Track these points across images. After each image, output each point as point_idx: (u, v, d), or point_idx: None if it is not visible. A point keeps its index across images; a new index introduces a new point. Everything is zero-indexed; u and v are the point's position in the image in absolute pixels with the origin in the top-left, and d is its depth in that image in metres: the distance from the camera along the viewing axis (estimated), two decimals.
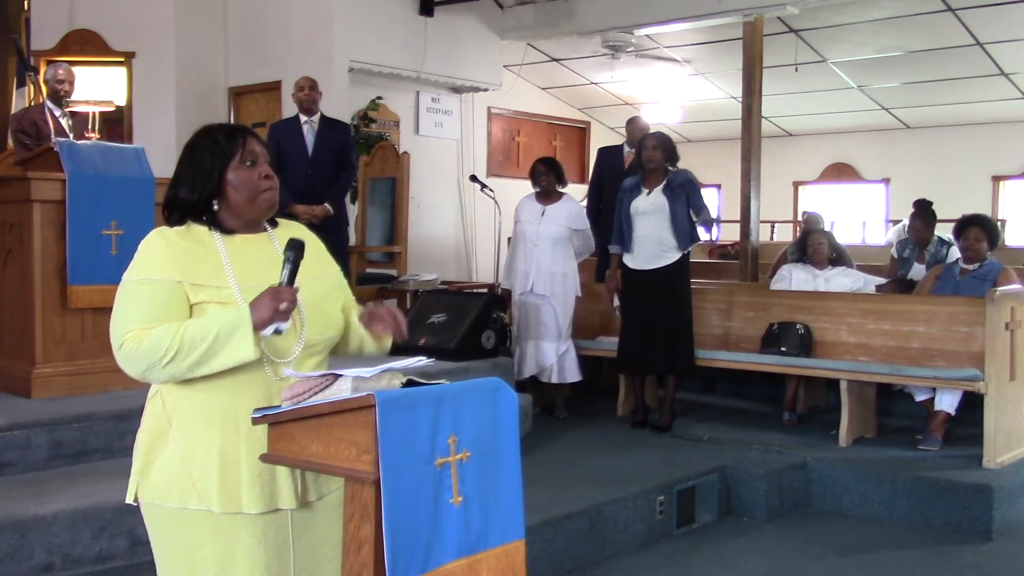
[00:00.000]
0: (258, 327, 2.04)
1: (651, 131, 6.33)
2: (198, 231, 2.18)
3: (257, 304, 2.05)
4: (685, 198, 5.83)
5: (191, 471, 2.10)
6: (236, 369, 2.08)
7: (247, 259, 2.19)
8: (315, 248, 2.30)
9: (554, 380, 6.35)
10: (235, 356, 2.04)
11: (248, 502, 2.10)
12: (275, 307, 2.04)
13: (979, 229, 5.85)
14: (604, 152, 7.96)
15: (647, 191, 5.91)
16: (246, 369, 2.10)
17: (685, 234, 5.84)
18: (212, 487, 2.09)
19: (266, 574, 2.14)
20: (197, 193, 2.18)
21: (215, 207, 2.18)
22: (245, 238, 2.23)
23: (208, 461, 2.10)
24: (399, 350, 2.36)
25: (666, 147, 5.91)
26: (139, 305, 2.09)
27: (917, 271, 6.58)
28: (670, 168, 5.94)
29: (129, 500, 2.21)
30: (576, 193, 7.26)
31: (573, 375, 6.40)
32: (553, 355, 6.28)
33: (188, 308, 2.11)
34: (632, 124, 7.73)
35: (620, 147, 7.79)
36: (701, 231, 6.02)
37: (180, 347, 2.02)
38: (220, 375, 2.09)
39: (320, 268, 2.31)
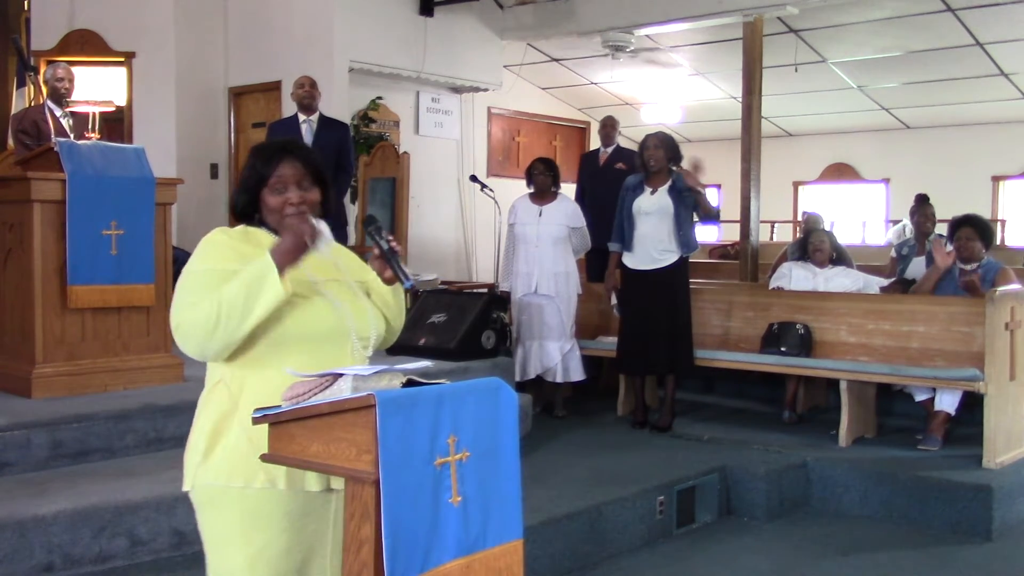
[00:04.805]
0: (282, 266, 2.16)
1: (652, 132, 6.32)
2: (257, 233, 2.32)
3: (277, 247, 2.19)
4: (690, 200, 5.82)
5: (258, 449, 2.14)
6: (305, 356, 2.19)
7: (311, 259, 2.31)
8: (349, 256, 2.46)
9: (559, 380, 6.36)
10: (269, 300, 2.14)
11: (311, 479, 2.18)
12: (296, 243, 2.19)
13: (970, 229, 5.85)
14: (584, 157, 8.40)
15: (651, 191, 5.89)
16: (314, 356, 2.20)
17: (687, 237, 5.84)
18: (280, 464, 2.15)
19: (315, 552, 2.23)
20: (244, 207, 2.34)
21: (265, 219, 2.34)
22: None
23: None
24: (399, 351, 2.38)
25: (668, 146, 5.90)
26: (198, 291, 2.18)
27: (917, 264, 6.59)
28: (674, 168, 5.93)
29: (187, 487, 2.26)
30: (567, 193, 7.29)
31: (577, 374, 6.41)
32: (557, 354, 6.28)
33: None
34: (602, 123, 8.09)
35: (597, 150, 8.13)
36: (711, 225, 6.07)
37: (221, 310, 2.12)
38: (292, 360, 2.17)
39: (364, 272, 2.44)
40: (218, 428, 2.22)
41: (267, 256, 2.17)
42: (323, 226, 2.27)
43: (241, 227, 2.34)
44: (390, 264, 2.30)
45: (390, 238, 2.32)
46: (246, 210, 2.35)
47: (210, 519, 2.23)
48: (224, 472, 2.18)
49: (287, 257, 2.18)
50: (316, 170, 2.37)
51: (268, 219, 2.32)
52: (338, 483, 2.18)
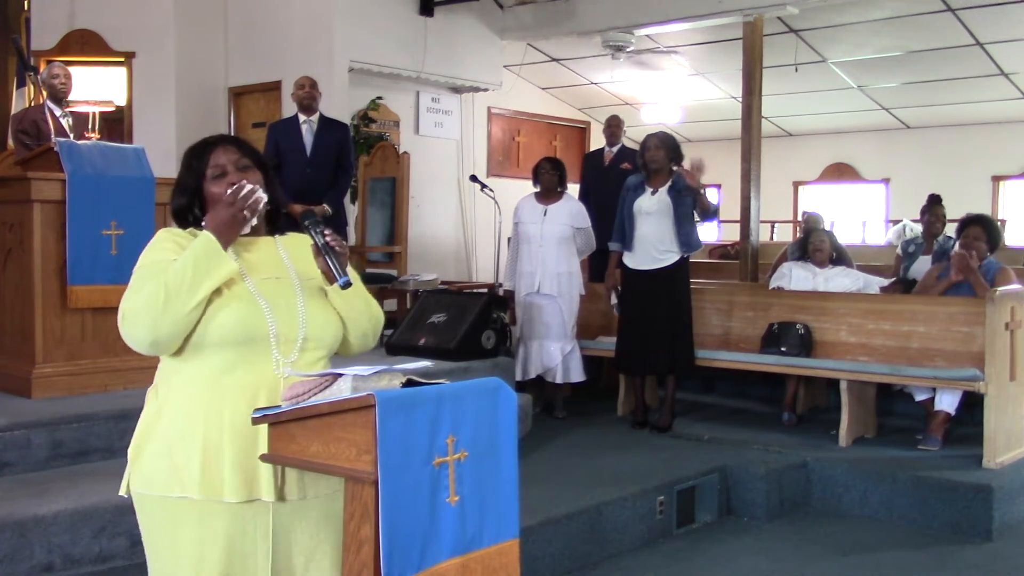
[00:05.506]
0: (221, 238, 2.14)
1: (653, 132, 6.32)
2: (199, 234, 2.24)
3: (212, 217, 2.18)
4: (691, 200, 5.82)
5: (175, 458, 2.13)
6: (224, 360, 2.13)
7: (251, 256, 2.26)
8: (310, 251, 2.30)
9: (559, 380, 6.36)
10: (220, 271, 2.13)
11: (229, 490, 2.11)
12: (232, 213, 2.17)
13: (979, 228, 5.84)
14: (588, 156, 8.42)
15: (651, 191, 5.90)
16: (234, 361, 2.14)
17: (687, 237, 5.84)
18: (194, 474, 2.11)
19: (244, 565, 2.15)
20: (186, 208, 2.29)
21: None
22: (246, 241, 2.27)
23: (192, 448, 2.12)
24: (399, 351, 2.36)
25: (669, 146, 5.90)
26: (141, 280, 2.15)
27: (922, 263, 6.58)
28: (675, 168, 5.93)
29: (122, 492, 2.25)
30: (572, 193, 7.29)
31: (578, 375, 6.41)
32: (559, 355, 6.28)
33: None
34: (607, 122, 8.08)
35: (602, 149, 8.12)
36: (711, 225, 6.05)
37: (168, 286, 2.08)
38: (211, 363, 2.13)
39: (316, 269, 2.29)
40: (144, 435, 2.21)
41: (205, 232, 2.15)
42: (260, 193, 2.22)
43: (190, 229, 2.27)
44: (325, 260, 2.20)
45: (327, 233, 2.21)
46: (186, 213, 2.29)
47: (142, 524, 2.22)
48: (148, 480, 2.17)
49: (223, 229, 2.16)
50: (252, 154, 2.31)
51: (213, 211, 2.23)
52: (268, 494, 2.12)
